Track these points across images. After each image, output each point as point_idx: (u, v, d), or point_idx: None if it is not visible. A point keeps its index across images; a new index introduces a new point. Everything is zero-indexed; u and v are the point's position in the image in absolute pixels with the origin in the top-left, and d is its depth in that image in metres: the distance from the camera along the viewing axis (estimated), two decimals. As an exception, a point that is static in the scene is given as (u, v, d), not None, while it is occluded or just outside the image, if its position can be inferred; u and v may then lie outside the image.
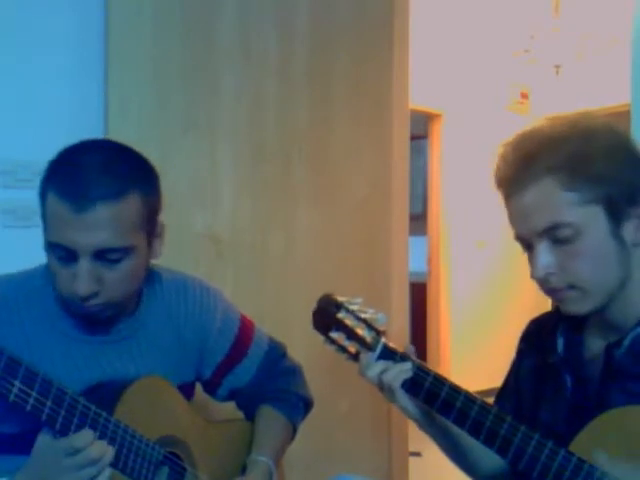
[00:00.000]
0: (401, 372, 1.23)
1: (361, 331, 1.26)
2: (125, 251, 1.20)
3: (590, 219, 1.13)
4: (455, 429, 1.28)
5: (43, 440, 1.13)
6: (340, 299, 1.28)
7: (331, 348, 1.28)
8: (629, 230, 1.15)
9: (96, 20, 2.06)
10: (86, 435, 1.12)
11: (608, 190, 1.13)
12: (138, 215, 1.21)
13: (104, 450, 1.14)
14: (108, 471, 1.14)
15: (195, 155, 2.18)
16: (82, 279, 1.17)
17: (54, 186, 1.17)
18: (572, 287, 1.17)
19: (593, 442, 1.14)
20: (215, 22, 2.20)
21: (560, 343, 1.27)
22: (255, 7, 2.27)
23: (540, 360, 1.31)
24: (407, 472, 2.72)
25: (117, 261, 1.19)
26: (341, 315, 1.27)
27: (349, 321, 1.26)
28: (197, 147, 2.18)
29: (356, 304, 1.28)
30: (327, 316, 1.27)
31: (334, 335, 1.27)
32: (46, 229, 1.20)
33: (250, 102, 2.27)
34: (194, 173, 2.17)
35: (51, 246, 1.19)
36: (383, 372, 1.24)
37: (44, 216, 1.20)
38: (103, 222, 1.16)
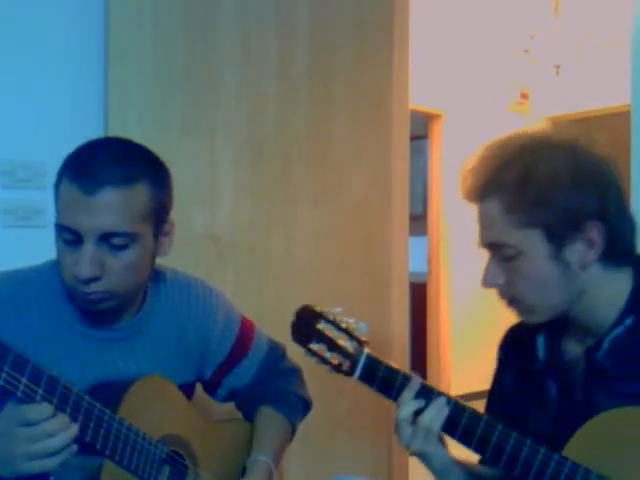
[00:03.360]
0: (439, 412, 1.19)
1: (343, 342, 1.24)
2: (130, 238, 1.20)
3: (529, 242, 1.16)
4: (478, 473, 1.28)
5: (8, 407, 1.10)
6: (319, 309, 1.26)
7: (312, 360, 1.26)
8: (574, 253, 1.16)
9: (96, 20, 2.06)
10: (41, 408, 1.08)
11: (546, 215, 1.14)
12: (145, 205, 1.22)
13: (62, 426, 1.09)
14: (67, 451, 1.10)
15: (195, 155, 2.18)
16: (84, 261, 1.17)
17: (67, 173, 1.20)
18: (516, 301, 1.21)
19: (586, 446, 1.14)
20: (215, 22, 2.20)
21: (540, 347, 1.27)
22: (255, 7, 2.28)
23: (522, 367, 1.31)
24: (407, 472, 2.72)
25: (121, 248, 1.20)
26: (321, 326, 1.25)
27: (330, 332, 1.25)
28: (197, 147, 2.18)
29: (336, 314, 1.26)
30: (306, 327, 1.26)
31: (315, 347, 1.25)
32: (56, 214, 1.22)
33: (250, 102, 2.27)
34: (194, 173, 2.17)
35: (59, 229, 1.21)
36: (419, 412, 1.19)
37: (56, 203, 1.22)
38: (109, 206, 1.18)
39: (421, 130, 5.45)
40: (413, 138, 2.94)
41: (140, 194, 1.21)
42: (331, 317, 1.26)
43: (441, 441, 1.23)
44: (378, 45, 2.56)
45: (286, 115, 2.34)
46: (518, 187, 1.15)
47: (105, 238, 1.18)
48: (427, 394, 1.20)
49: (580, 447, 1.14)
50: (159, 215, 1.26)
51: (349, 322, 1.26)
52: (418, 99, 4.02)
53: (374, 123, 2.56)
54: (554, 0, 5.11)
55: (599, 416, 1.14)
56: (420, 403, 1.20)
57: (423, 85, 4.39)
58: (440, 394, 1.21)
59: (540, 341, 1.27)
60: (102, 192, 1.17)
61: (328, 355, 1.25)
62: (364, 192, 2.53)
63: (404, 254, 2.67)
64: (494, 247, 1.19)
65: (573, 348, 1.24)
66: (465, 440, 1.19)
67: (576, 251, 1.16)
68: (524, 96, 5.84)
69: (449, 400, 1.20)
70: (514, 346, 1.36)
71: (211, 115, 2.20)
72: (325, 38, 2.43)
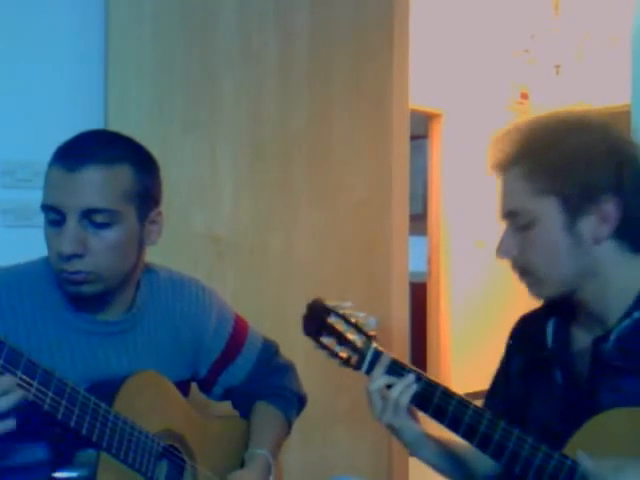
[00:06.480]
0: (407, 387, 1.23)
1: (352, 336, 1.26)
2: (111, 216, 1.22)
3: (544, 210, 1.17)
4: (452, 448, 1.29)
5: None
6: (330, 304, 1.28)
7: (323, 353, 1.27)
8: (587, 226, 1.16)
9: (96, 20, 2.06)
10: None
11: (564, 184, 1.16)
12: (128, 186, 1.25)
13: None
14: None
15: (195, 155, 2.18)
16: (66, 238, 1.20)
17: (55, 156, 1.24)
18: (526, 272, 1.22)
19: (586, 445, 1.13)
20: (215, 22, 2.20)
21: (549, 336, 1.27)
22: (255, 7, 2.28)
23: (529, 356, 1.31)
24: (407, 472, 2.72)
25: (103, 226, 1.22)
26: (332, 320, 1.27)
27: (339, 326, 1.26)
28: (197, 147, 2.18)
29: (346, 308, 1.28)
30: (318, 321, 1.27)
31: (325, 340, 1.27)
32: (42, 197, 1.24)
33: (250, 102, 2.27)
34: (194, 173, 2.17)
35: (44, 210, 1.23)
36: (389, 387, 1.23)
37: (43, 188, 1.24)
38: (91, 182, 1.21)
39: (421, 130, 5.45)
40: (413, 138, 2.94)
41: (122, 175, 1.24)
42: (341, 311, 1.27)
43: (413, 417, 1.27)
44: (378, 45, 2.56)
45: (286, 115, 2.34)
46: (541, 153, 1.17)
47: (87, 215, 1.21)
48: (398, 371, 1.24)
49: (581, 446, 1.13)
50: (144, 200, 1.28)
51: (358, 316, 1.28)
52: (418, 99, 4.02)
53: (374, 123, 2.56)
54: (554, 0, 5.11)
55: (602, 414, 1.13)
56: (391, 379, 1.24)
57: (423, 85, 4.39)
58: (411, 371, 1.24)
59: (549, 328, 1.27)
60: (84, 169, 1.20)
61: (337, 349, 1.26)
62: (364, 192, 2.53)
63: (404, 254, 2.67)
64: (511, 216, 1.20)
65: (581, 337, 1.24)
66: (438, 417, 1.22)
67: (589, 224, 1.16)
68: (524, 96, 5.84)
69: (419, 377, 1.23)
70: (524, 334, 1.36)
71: (211, 115, 2.20)
72: (325, 38, 2.43)
